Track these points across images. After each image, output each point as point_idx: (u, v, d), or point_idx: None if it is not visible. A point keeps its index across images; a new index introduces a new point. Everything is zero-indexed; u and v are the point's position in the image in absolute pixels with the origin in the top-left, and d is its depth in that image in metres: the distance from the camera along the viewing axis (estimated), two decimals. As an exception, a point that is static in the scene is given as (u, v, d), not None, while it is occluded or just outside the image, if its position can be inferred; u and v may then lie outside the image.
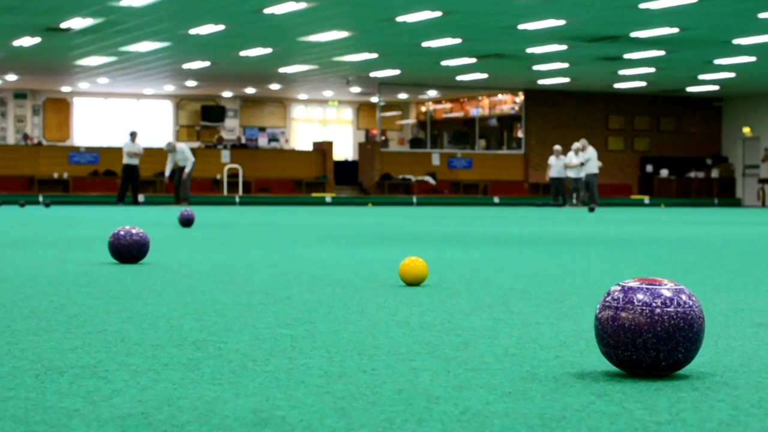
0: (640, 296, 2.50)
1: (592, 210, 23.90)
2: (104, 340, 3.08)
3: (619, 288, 2.55)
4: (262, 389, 2.32)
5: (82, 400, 2.20)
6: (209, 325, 3.44)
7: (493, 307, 4.03)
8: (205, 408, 2.12)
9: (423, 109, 42.23)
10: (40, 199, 29.26)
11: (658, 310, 2.47)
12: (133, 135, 27.87)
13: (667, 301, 2.48)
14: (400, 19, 23.95)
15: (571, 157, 29.50)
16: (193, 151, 33.59)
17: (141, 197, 28.95)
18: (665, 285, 2.52)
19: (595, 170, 29.20)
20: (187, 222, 12.22)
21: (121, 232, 6.32)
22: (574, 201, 29.78)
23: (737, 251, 8.25)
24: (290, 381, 2.43)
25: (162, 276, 5.37)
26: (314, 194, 34.02)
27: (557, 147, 30.40)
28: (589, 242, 9.44)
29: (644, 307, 2.48)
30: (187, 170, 27.40)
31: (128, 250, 6.28)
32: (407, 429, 1.96)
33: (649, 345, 2.47)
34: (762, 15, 23.18)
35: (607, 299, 2.55)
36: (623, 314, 2.50)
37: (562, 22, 24.30)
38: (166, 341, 3.07)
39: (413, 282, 4.90)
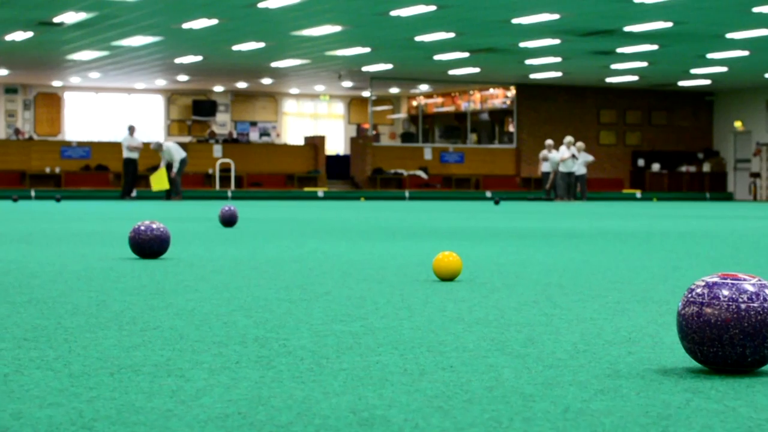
0: (725, 292, 2.46)
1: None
2: (163, 337, 3.02)
3: (702, 284, 2.50)
4: (349, 388, 2.27)
5: (170, 399, 2.14)
6: (262, 322, 3.38)
7: (538, 303, 3.99)
8: (300, 408, 2.07)
9: (414, 103, 42.17)
10: (32, 194, 29.13)
11: (744, 306, 2.43)
12: (131, 129, 27.83)
13: (753, 297, 2.44)
14: (394, 13, 23.87)
15: (563, 151, 29.49)
16: (185, 146, 33.47)
17: (134, 192, 28.85)
18: (748, 280, 2.48)
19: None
20: (229, 221, 10.53)
21: (142, 227, 6.25)
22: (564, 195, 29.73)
23: (753, 245, 8.22)
24: (373, 379, 2.38)
25: (189, 271, 5.31)
26: (306, 188, 33.94)
27: (549, 141, 30.38)
28: (599, 236, 9.40)
29: (730, 303, 2.44)
30: (174, 168, 27.39)
31: (149, 245, 6.22)
32: (516, 428, 1.91)
33: (735, 341, 2.43)
34: (756, 9, 23.16)
35: (690, 295, 2.51)
36: (708, 310, 2.45)
37: (556, 16, 24.25)
38: (226, 338, 3.02)
39: (448, 277, 4.86)
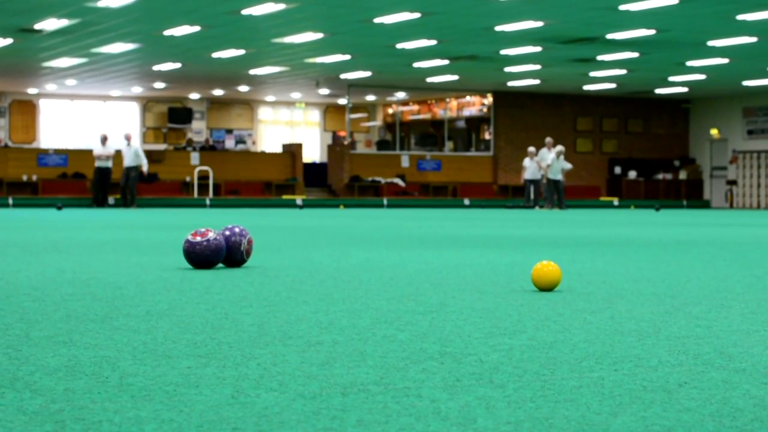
0: None
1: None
2: (341, 353, 2.88)
3: None
4: (615, 406, 2.15)
5: (445, 423, 2.02)
6: (420, 336, 3.24)
7: (674, 314, 3.88)
8: (591, 429, 1.95)
9: (390, 111, 42.08)
10: (10, 201, 28.81)
11: None
12: (104, 138, 27.86)
13: None
14: (377, 20, 23.77)
15: (547, 156, 29.46)
16: (161, 153, 33.22)
17: (111, 200, 28.69)
18: None
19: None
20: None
21: (198, 237, 6.09)
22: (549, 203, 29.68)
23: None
24: (624, 397, 2.26)
25: (272, 282, 5.15)
26: (284, 196, 33.76)
27: (531, 149, 30.33)
28: (633, 244, 9.32)
29: None
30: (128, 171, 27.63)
31: (205, 256, 6.06)
32: None
33: None
34: (740, 17, 23.24)
35: None
36: None
37: (539, 24, 24.23)
38: (405, 353, 2.88)
39: (548, 287, 4.74)
